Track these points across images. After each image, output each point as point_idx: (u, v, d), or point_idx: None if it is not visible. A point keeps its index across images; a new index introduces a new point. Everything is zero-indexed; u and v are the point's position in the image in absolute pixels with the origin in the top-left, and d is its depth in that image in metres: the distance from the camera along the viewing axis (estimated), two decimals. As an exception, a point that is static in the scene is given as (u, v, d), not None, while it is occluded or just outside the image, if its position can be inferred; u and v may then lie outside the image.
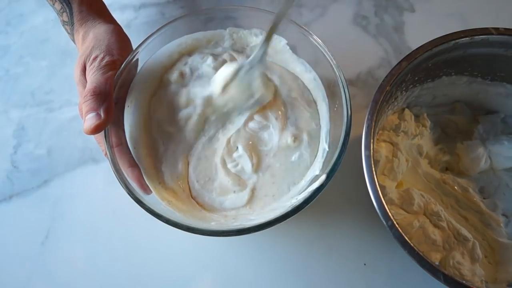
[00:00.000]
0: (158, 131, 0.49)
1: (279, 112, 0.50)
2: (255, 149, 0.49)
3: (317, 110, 0.51)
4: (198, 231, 0.40)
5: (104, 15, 0.53)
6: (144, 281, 0.51)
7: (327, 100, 0.49)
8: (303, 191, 0.45)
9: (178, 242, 0.52)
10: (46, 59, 0.66)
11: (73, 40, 0.54)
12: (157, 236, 0.52)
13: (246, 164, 0.48)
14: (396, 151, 0.50)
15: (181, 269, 0.51)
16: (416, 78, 0.48)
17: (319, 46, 0.46)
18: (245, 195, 0.47)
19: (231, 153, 0.48)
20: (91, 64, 0.46)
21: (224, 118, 0.49)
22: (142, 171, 0.46)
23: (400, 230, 0.38)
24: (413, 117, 0.53)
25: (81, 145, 0.59)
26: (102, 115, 0.42)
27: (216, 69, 0.50)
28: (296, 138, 0.48)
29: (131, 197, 0.41)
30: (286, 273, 0.50)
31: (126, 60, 0.47)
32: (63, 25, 0.54)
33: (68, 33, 0.54)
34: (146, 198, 0.42)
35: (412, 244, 0.37)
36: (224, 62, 0.51)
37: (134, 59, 0.47)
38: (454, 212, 0.50)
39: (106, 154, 0.44)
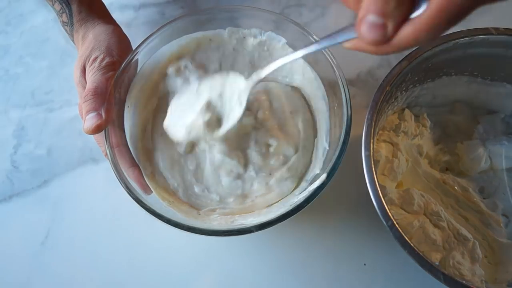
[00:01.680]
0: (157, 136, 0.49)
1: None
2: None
3: (311, 115, 0.51)
4: (198, 231, 0.40)
5: (103, 15, 0.53)
6: (144, 281, 0.51)
7: (327, 99, 0.49)
8: (304, 190, 0.45)
9: (178, 242, 0.52)
10: (46, 59, 0.65)
11: (73, 41, 0.54)
12: (157, 236, 0.52)
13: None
14: (396, 151, 0.50)
15: (181, 269, 0.51)
16: (416, 78, 0.48)
17: (319, 46, 0.46)
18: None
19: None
20: (91, 65, 0.46)
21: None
22: (142, 171, 0.46)
23: (400, 230, 0.38)
24: (413, 117, 0.53)
25: (81, 145, 0.59)
26: (103, 114, 0.42)
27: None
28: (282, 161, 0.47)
29: (131, 197, 0.41)
30: (286, 273, 0.50)
31: (126, 60, 0.47)
32: (62, 26, 0.54)
33: (68, 33, 0.54)
34: (146, 198, 0.42)
35: (412, 244, 0.37)
36: None
37: (134, 59, 0.47)
38: (454, 212, 0.50)
39: (106, 154, 0.44)
